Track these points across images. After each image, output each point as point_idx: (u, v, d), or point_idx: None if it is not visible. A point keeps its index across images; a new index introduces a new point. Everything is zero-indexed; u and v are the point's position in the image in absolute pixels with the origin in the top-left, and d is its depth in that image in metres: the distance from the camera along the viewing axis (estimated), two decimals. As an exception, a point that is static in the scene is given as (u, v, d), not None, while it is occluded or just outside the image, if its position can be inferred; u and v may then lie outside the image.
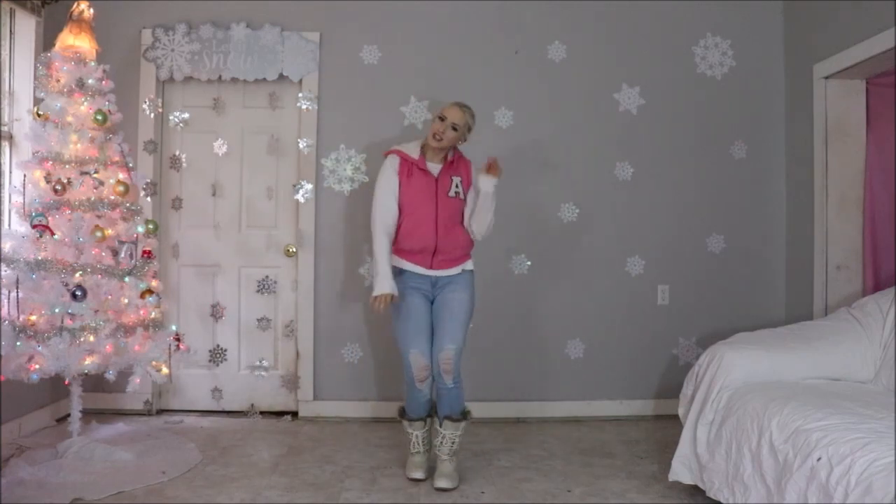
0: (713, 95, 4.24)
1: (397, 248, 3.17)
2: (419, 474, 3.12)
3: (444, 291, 3.14)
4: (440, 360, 3.04)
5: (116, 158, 3.33)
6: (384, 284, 3.03)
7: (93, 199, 3.20)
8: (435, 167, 3.17)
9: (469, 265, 3.22)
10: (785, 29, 4.26)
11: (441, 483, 3.03)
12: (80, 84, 3.23)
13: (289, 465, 3.26)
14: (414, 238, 3.10)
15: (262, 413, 4.10)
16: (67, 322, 2.99)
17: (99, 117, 3.20)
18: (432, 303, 3.16)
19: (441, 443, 3.10)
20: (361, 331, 4.13)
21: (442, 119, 3.12)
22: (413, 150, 3.18)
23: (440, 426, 3.11)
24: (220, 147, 3.97)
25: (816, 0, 3.93)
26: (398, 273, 3.15)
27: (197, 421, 3.97)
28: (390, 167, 3.17)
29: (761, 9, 4.27)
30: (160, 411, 4.11)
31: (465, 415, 3.16)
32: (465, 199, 3.19)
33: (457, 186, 3.16)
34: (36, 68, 3.36)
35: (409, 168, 3.14)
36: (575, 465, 3.31)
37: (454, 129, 3.11)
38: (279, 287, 4.14)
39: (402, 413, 3.22)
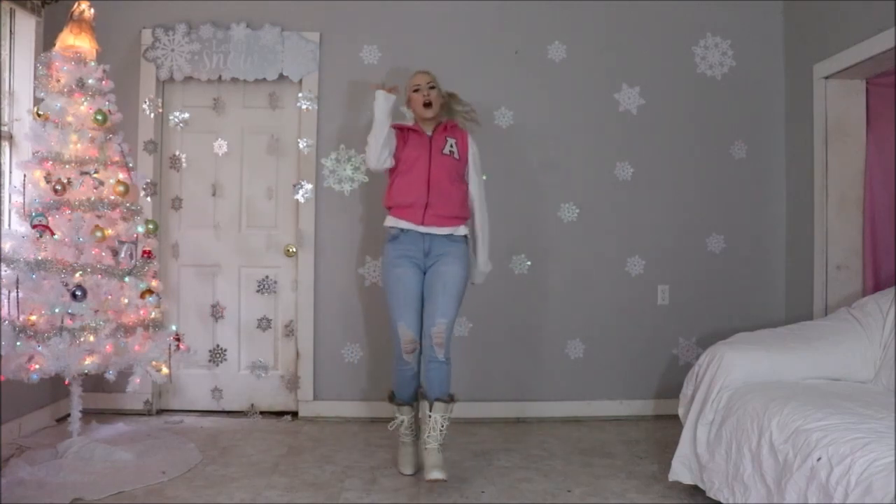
0: (713, 95, 4.24)
1: (391, 205, 3.22)
2: (409, 469, 3.17)
3: (437, 263, 3.15)
4: (432, 333, 3.03)
5: (116, 158, 3.34)
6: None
7: (93, 199, 3.20)
8: (428, 130, 3.26)
9: (462, 230, 3.22)
10: (785, 29, 4.26)
11: (434, 475, 2.89)
12: (80, 84, 3.23)
13: (289, 465, 3.26)
14: (406, 192, 3.16)
15: (262, 413, 4.10)
16: (67, 322, 3.00)
17: (99, 117, 3.21)
18: (425, 273, 3.17)
19: (431, 428, 3.00)
20: (361, 331, 4.13)
21: (417, 89, 3.22)
22: (408, 122, 3.32)
23: (430, 410, 3.03)
24: (220, 147, 3.98)
25: (816, 0, 3.93)
26: (393, 237, 3.19)
27: (197, 421, 3.97)
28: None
29: (761, 9, 4.27)
30: (160, 411, 4.11)
31: (452, 397, 3.11)
32: (460, 160, 3.23)
33: (451, 146, 3.21)
34: (36, 68, 3.36)
35: (405, 134, 3.24)
36: (575, 465, 3.31)
37: (432, 87, 3.22)
38: (279, 287, 4.14)
39: (392, 397, 3.28)
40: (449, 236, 3.16)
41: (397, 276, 3.13)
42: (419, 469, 3.17)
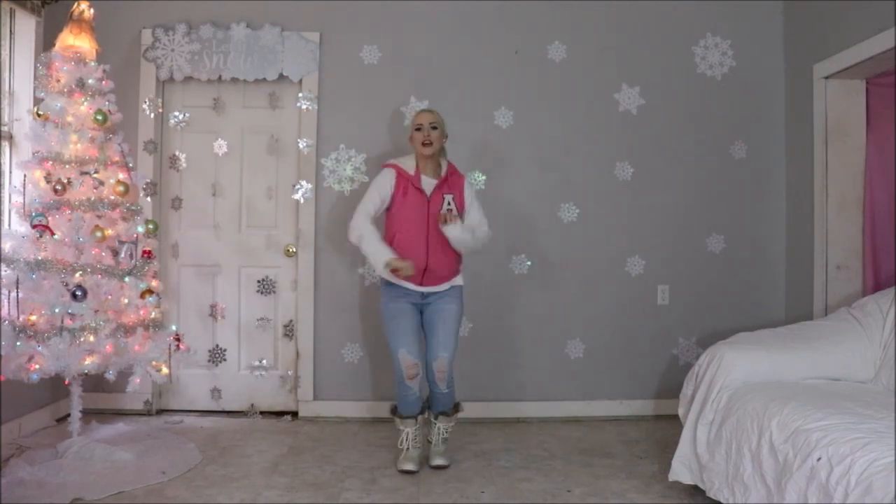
0: (713, 95, 4.24)
1: None
2: (411, 466, 3.19)
3: (434, 302, 3.28)
4: (435, 367, 3.20)
5: (116, 158, 3.34)
6: (384, 251, 3.13)
7: (93, 199, 3.20)
8: (429, 182, 3.25)
9: (458, 280, 3.33)
10: (785, 29, 4.26)
11: (437, 461, 3.24)
12: (80, 84, 3.23)
13: (289, 465, 3.26)
14: (405, 256, 3.14)
15: (262, 413, 4.10)
16: (67, 322, 2.99)
17: (99, 117, 3.20)
18: (422, 311, 3.28)
19: (436, 433, 3.31)
20: (361, 331, 4.13)
21: (419, 128, 3.25)
22: (409, 165, 3.27)
23: (434, 419, 3.32)
24: (220, 147, 3.98)
25: (816, 0, 3.93)
26: (389, 284, 3.25)
27: (197, 421, 3.97)
28: (387, 177, 3.26)
29: (761, 9, 4.27)
30: (160, 411, 4.11)
31: (456, 407, 3.38)
32: (459, 215, 3.25)
33: (448, 204, 3.24)
34: (36, 68, 3.36)
35: (404, 185, 3.23)
36: (575, 465, 3.31)
37: (434, 127, 3.24)
38: (279, 287, 4.14)
39: (394, 410, 3.32)
40: (446, 291, 3.29)
41: (397, 308, 3.24)
42: (421, 467, 3.23)
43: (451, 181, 3.29)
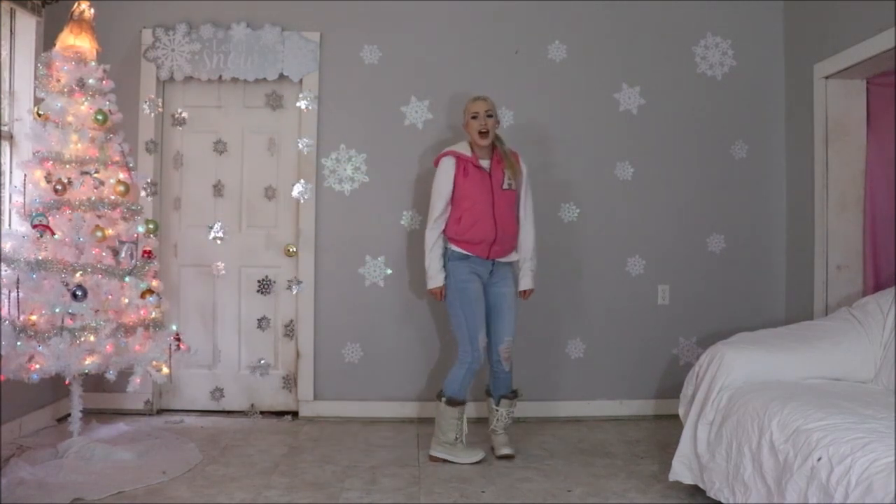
0: (713, 95, 4.24)
1: (460, 238, 3.37)
2: (483, 453, 3.38)
3: (496, 285, 3.43)
4: (501, 350, 3.43)
5: (117, 158, 3.34)
6: (438, 279, 3.39)
7: (93, 198, 3.20)
8: (485, 163, 3.38)
9: (514, 255, 3.50)
10: (785, 29, 4.26)
11: (505, 451, 3.40)
12: (81, 84, 3.23)
13: (289, 465, 3.26)
14: (475, 231, 3.33)
15: (262, 413, 4.10)
16: (68, 322, 3.00)
17: (99, 117, 3.21)
18: (485, 289, 3.43)
19: (498, 420, 3.47)
20: (361, 331, 4.13)
21: (475, 117, 3.36)
22: (465, 149, 3.38)
23: (496, 405, 3.48)
24: (219, 147, 3.97)
25: (816, 0, 3.93)
26: (464, 257, 3.37)
27: (197, 421, 3.97)
28: (449, 169, 3.39)
29: (761, 9, 4.27)
30: (160, 411, 4.11)
31: (515, 393, 3.52)
32: (517, 190, 3.44)
33: (509, 178, 3.36)
34: (36, 68, 3.36)
35: (464, 166, 3.38)
36: (575, 465, 3.31)
37: (489, 115, 3.36)
38: (279, 287, 4.14)
39: (451, 401, 3.37)
40: (508, 263, 3.49)
41: (475, 295, 3.36)
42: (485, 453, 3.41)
43: (513, 157, 3.43)
